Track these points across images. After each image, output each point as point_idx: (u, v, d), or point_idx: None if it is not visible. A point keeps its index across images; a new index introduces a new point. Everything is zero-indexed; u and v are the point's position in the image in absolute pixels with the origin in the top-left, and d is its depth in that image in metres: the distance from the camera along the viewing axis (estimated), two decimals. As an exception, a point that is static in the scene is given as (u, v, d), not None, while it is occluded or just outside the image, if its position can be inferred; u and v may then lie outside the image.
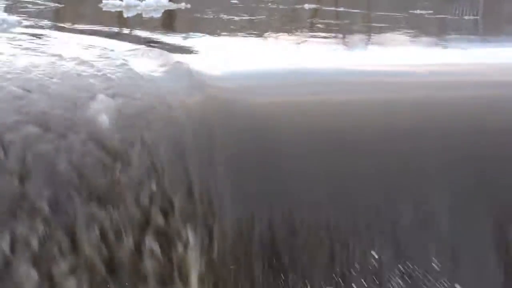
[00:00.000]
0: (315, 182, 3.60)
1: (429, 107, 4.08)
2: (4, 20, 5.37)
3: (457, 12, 8.20)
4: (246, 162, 3.42)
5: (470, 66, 4.87)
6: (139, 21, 6.57)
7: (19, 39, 4.48)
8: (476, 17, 7.73)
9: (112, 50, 4.05)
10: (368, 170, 3.77)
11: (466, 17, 7.81)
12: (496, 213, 3.95)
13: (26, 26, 5.39)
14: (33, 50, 3.89)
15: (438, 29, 7.12)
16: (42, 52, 3.77)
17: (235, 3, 7.93)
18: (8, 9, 6.18)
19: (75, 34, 5.07)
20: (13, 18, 5.51)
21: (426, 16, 7.50)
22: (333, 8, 8.30)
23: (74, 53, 3.62)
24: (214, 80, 3.58)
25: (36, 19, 5.94)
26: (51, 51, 3.84)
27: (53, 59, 3.37)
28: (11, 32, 4.99)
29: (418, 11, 7.54)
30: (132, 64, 3.43)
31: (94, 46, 4.21)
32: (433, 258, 3.70)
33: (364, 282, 3.51)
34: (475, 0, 8.72)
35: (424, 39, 6.54)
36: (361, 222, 3.62)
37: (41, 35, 4.93)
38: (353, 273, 3.58)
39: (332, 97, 4.04)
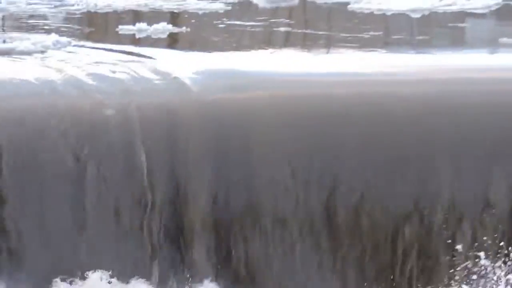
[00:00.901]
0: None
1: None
2: (58, 41, 6.82)
3: (404, 33, 9.68)
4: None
5: (401, 68, 6.57)
6: (151, 40, 7.97)
7: (77, 54, 6.43)
8: (413, 37, 9.29)
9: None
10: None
11: (406, 37, 9.24)
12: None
13: (76, 45, 7.01)
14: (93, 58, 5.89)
15: (382, 45, 8.46)
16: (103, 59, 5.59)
17: (223, 27, 9.30)
18: (56, 32, 7.52)
19: (116, 46, 6.90)
20: (65, 39, 7.01)
21: (378, 36, 8.93)
22: (302, 31, 9.86)
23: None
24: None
25: (78, 39, 7.48)
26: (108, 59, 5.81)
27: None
28: (68, 50, 6.67)
29: (371, 33, 8.84)
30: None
31: (122, 53, 6.36)
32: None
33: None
34: (412, 24, 10.40)
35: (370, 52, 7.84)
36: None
37: (91, 48, 6.81)
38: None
39: (297, 91, 5.78)
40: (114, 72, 5.52)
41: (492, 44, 9.06)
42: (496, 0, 11.58)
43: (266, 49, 8.28)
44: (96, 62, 6.05)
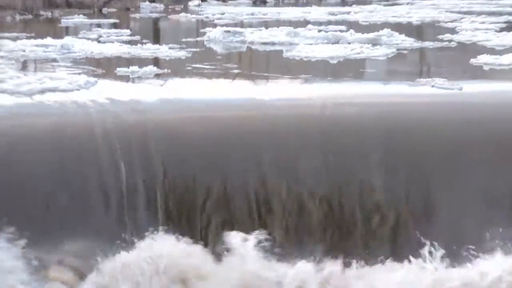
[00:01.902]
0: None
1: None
2: (88, 81, 7.63)
3: (324, 72, 11.13)
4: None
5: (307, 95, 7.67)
6: (143, 78, 9.38)
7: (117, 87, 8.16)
8: (330, 75, 10.88)
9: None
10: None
11: (326, 74, 10.74)
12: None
13: (102, 86, 8.40)
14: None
15: (307, 81, 9.58)
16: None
17: (190, 70, 11.03)
18: (77, 73, 8.73)
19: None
20: (92, 79, 7.99)
21: (306, 74, 10.02)
22: (248, 72, 11.77)
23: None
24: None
25: (99, 79, 8.80)
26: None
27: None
28: (102, 86, 8.01)
29: (303, 75, 10.07)
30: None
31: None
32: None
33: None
34: (330, 67, 11.63)
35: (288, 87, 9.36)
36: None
37: (117, 83, 8.67)
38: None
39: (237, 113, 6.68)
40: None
41: (384, 78, 10.81)
42: (392, 49, 13.18)
43: (221, 81, 10.41)
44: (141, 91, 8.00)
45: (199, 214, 5.90)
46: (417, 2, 34.57)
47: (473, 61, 10.90)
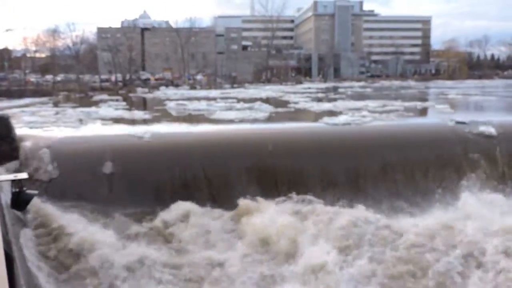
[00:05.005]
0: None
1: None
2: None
3: (229, 123, 11.80)
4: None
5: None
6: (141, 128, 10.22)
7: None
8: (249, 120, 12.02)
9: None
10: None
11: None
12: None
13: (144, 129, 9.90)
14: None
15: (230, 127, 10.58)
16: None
17: (161, 122, 11.65)
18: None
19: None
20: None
21: (218, 125, 10.95)
22: (189, 122, 12.01)
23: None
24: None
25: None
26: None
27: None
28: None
29: (216, 124, 11.12)
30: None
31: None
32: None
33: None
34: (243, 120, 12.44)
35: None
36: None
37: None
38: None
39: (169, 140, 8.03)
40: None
41: (260, 122, 11.76)
42: (264, 113, 13.73)
43: (175, 125, 11.30)
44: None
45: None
46: (261, 87, 39.95)
47: (317, 116, 12.03)
